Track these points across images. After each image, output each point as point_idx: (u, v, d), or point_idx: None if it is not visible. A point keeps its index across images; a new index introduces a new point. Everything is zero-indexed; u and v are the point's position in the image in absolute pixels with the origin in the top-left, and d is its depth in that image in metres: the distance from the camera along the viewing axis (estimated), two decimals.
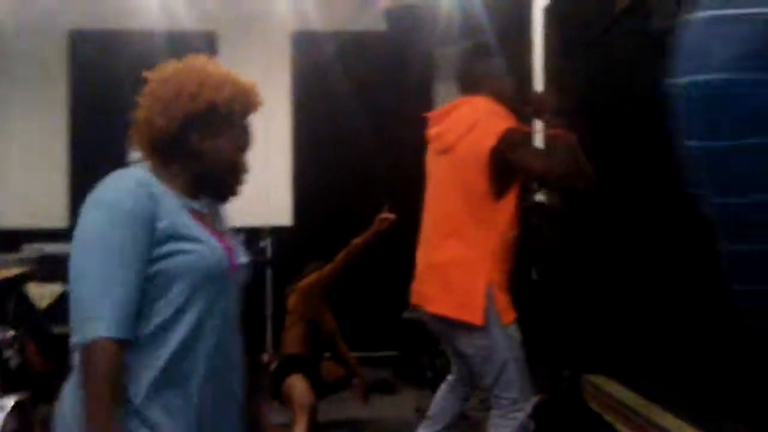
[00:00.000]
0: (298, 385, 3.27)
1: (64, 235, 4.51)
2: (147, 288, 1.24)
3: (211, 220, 1.41)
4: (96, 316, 1.19)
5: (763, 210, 0.59)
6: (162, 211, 1.28)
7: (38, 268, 3.84)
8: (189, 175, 1.38)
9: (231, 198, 1.44)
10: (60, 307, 3.82)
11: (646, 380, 3.16)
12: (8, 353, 3.02)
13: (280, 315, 3.82)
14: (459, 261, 2.26)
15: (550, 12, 3.87)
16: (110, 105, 4.50)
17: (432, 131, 2.45)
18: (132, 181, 1.30)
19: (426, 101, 5.42)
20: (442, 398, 2.58)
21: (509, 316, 2.27)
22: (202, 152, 1.37)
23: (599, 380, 3.39)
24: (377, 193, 5.28)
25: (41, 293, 3.81)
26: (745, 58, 0.55)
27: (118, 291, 1.21)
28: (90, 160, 4.82)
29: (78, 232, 1.26)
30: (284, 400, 3.34)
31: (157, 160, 1.38)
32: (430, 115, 2.51)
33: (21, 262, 3.90)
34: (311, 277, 3.57)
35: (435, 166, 2.42)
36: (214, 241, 1.34)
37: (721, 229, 0.64)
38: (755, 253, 0.62)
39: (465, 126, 2.29)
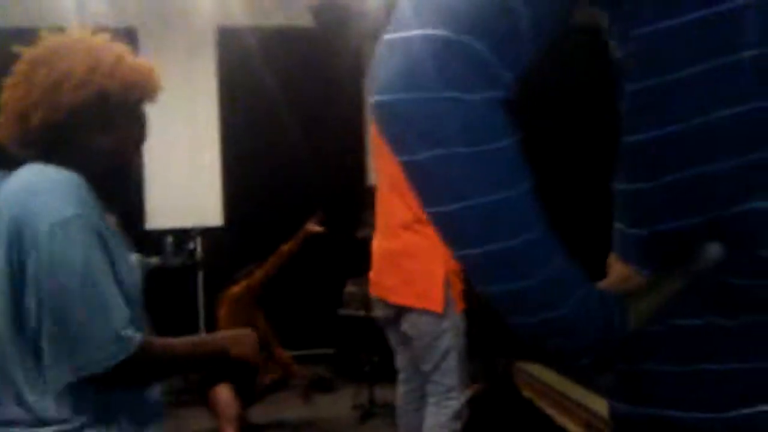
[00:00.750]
0: (223, 396, 3.22)
1: None
2: None
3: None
4: (121, 327, 1.09)
5: (438, 220, 0.65)
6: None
7: None
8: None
9: (116, 205, 1.24)
10: None
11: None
12: None
13: (213, 319, 3.74)
14: (416, 250, 2.29)
15: None
16: None
17: None
18: (76, 189, 1.11)
19: (355, 97, 5.43)
20: (403, 411, 2.57)
21: (461, 304, 2.32)
22: (91, 150, 1.16)
23: (531, 367, 3.48)
24: (309, 189, 5.26)
25: None
26: (401, 78, 0.61)
27: (120, 303, 1.11)
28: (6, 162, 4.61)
29: (56, 256, 1.06)
30: (211, 409, 3.29)
31: (33, 158, 1.15)
32: None
33: None
34: (239, 286, 3.52)
35: (385, 159, 2.43)
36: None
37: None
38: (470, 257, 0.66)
39: None
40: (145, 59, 1.23)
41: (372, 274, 2.51)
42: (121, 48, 1.20)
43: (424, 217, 2.32)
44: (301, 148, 5.21)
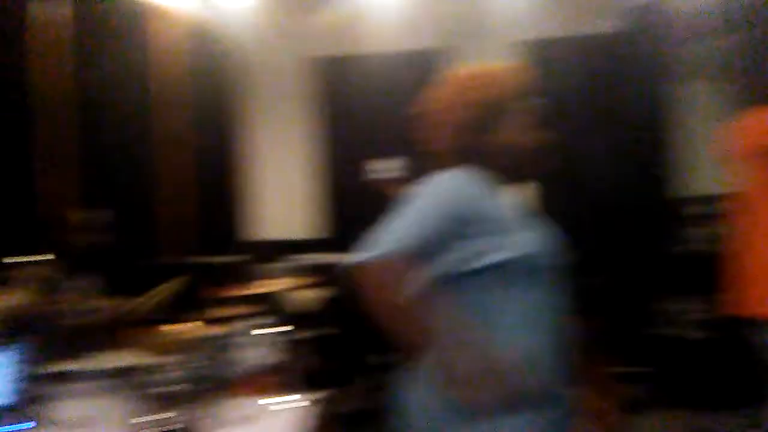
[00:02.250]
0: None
1: (322, 245, 4.76)
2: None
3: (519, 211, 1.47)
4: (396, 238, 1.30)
5: None
6: (484, 209, 1.37)
7: (310, 275, 4.12)
8: (491, 171, 1.43)
9: (530, 180, 1.49)
10: (327, 310, 4.13)
11: None
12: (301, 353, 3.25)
13: None
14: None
15: None
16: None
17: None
18: (460, 181, 1.39)
19: (656, 103, 5.11)
20: None
21: None
22: (502, 147, 1.44)
23: None
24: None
25: (311, 297, 4.13)
26: None
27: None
28: (343, 170, 5.18)
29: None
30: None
31: (454, 162, 1.44)
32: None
33: (295, 270, 4.23)
34: None
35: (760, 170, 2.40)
36: (533, 235, 1.41)
37: None
38: None
39: None
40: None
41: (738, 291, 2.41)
42: (492, 66, 1.49)
43: None
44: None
